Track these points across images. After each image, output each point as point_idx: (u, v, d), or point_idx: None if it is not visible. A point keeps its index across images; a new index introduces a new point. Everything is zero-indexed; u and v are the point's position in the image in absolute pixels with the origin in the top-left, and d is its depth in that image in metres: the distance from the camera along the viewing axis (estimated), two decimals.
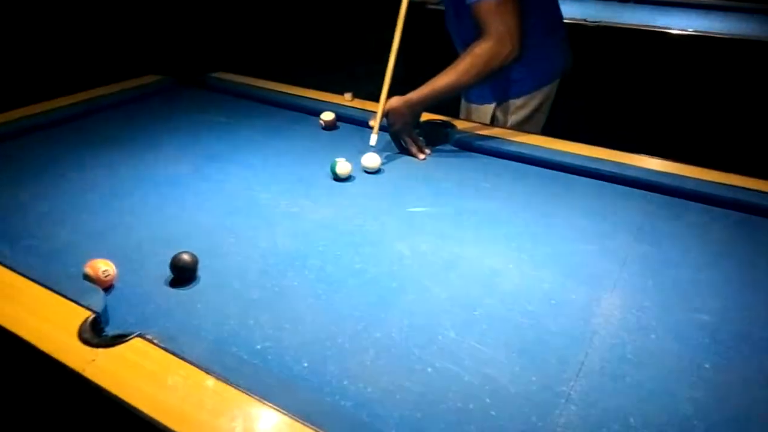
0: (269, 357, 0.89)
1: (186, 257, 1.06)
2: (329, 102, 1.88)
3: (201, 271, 1.09)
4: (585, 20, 2.96)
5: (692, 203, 1.37)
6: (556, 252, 1.18)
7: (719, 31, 2.90)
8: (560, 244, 1.21)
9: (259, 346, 0.91)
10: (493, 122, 1.85)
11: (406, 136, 1.60)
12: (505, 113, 1.85)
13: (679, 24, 3.00)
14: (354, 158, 1.48)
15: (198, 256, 1.07)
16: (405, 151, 1.61)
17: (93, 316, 0.90)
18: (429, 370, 0.88)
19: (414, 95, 1.58)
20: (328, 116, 1.74)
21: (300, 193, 1.39)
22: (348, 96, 1.90)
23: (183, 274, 1.06)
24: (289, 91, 1.98)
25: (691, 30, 2.87)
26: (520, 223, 1.28)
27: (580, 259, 1.16)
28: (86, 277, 1.01)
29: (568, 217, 1.30)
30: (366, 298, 1.03)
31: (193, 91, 2.06)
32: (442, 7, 3.22)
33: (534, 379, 0.86)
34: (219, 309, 0.99)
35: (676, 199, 1.38)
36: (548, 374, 0.87)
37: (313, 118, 1.79)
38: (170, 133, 1.71)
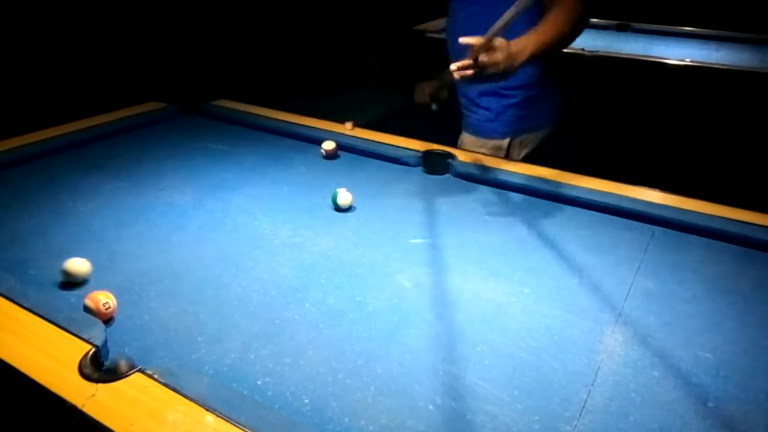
0: (270, 393, 0.88)
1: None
2: (329, 131, 1.89)
3: (201, 303, 1.08)
4: (583, 50, 3.01)
5: (693, 236, 1.37)
6: (558, 286, 1.18)
7: (715, 62, 2.94)
8: (562, 277, 1.21)
9: (259, 382, 0.90)
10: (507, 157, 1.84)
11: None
12: (518, 148, 1.86)
13: (676, 54, 3.04)
14: (355, 188, 1.49)
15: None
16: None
17: (93, 350, 0.89)
18: (430, 407, 0.87)
19: (513, 45, 1.43)
20: (329, 145, 1.75)
21: (301, 223, 1.39)
22: (348, 125, 1.91)
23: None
24: (289, 120, 2.00)
25: (688, 60, 2.91)
26: (521, 256, 1.28)
27: (583, 293, 1.16)
28: (86, 309, 1.00)
29: (570, 250, 1.30)
30: (367, 332, 1.02)
31: (194, 119, 2.08)
32: (441, 36, 3.29)
33: (536, 417, 0.86)
34: (219, 342, 0.99)
35: (677, 233, 1.38)
36: (551, 413, 0.86)
37: (314, 146, 1.80)
38: (172, 162, 1.72)
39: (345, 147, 1.80)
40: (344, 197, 1.43)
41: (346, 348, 0.99)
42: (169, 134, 1.94)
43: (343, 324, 1.04)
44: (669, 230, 1.39)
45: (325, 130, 1.90)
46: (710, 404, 0.89)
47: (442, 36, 3.35)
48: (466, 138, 1.94)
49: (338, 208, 1.44)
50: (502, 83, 1.74)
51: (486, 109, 1.86)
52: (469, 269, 1.23)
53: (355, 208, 1.46)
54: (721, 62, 2.92)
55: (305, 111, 2.09)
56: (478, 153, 1.77)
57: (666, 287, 1.18)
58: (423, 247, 1.31)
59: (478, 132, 1.90)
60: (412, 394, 0.89)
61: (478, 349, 0.99)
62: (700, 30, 3.67)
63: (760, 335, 1.05)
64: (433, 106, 2.08)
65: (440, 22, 3.50)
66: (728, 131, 3.03)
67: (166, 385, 0.84)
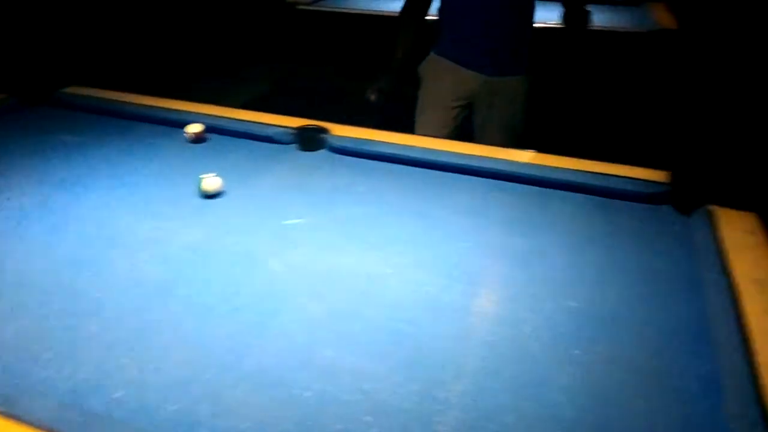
0: (131, 405, 0.81)
1: None
2: (196, 112, 1.78)
3: (50, 316, 0.98)
4: None
5: (558, 192, 1.42)
6: (434, 253, 1.18)
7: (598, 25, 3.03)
8: (438, 244, 1.21)
9: (117, 394, 0.83)
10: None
11: None
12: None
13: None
14: (224, 173, 1.41)
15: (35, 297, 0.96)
16: None
17: None
18: (307, 394, 0.84)
19: None
20: (195, 128, 1.64)
21: (165, 215, 1.30)
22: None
23: None
24: (152, 104, 1.85)
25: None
26: (397, 227, 1.27)
27: (458, 257, 1.17)
28: None
29: (444, 216, 1.31)
30: (238, 325, 0.97)
31: (41, 111, 1.88)
32: (312, 8, 3.21)
33: (415, 388, 0.85)
34: (71, 357, 0.90)
35: (544, 190, 1.43)
36: (428, 381, 0.86)
37: (180, 131, 1.69)
38: (17, 159, 1.54)
39: (214, 129, 1.70)
40: (210, 183, 1.35)
41: (215, 345, 0.93)
42: (11, 130, 1.73)
43: (212, 319, 0.98)
44: (538, 188, 1.44)
45: (191, 112, 1.78)
46: (576, 351, 0.93)
47: (315, 8, 3.29)
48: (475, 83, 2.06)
49: (206, 195, 1.36)
50: None
51: None
52: (345, 245, 1.20)
53: (224, 194, 1.38)
54: (602, 24, 3.02)
55: (174, 94, 1.95)
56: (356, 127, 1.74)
57: (534, 244, 1.22)
58: (298, 227, 1.27)
59: (493, 70, 2.05)
60: (287, 384, 0.86)
61: (355, 326, 0.97)
62: None
63: (621, 281, 1.11)
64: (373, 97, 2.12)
65: None
66: (609, 90, 3.17)
67: (3, 414, 0.74)
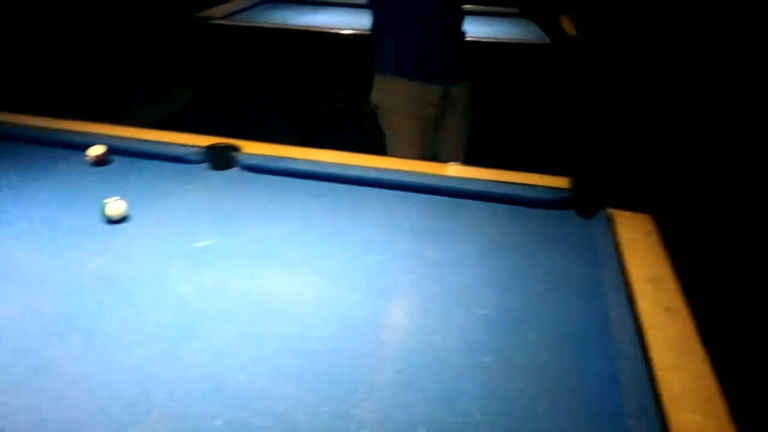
0: None
1: None
2: (100, 134, 1.70)
3: None
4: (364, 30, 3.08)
5: (469, 201, 1.46)
6: (347, 268, 1.19)
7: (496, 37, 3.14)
8: (350, 259, 1.22)
9: None
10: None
11: None
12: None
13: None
14: (131, 196, 1.35)
15: None
16: None
17: None
18: (217, 423, 0.82)
19: None
20: (97, 150, 1.57)
21: (65, 244, 1.23)
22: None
23: None
24: (50, 125, 1.76)
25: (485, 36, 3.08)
26: (310, 243, 1.27)
27: (370, 271, 1.18)
28: None
29: (357, 231, 1.32)
30: (145, 356, 0.93)
31: None
32: (226, 22, 3.15)
33: (327, 408, 0.85)
34: None
35: (455, 200, 1.47)
36: (341, 400, 0.86)
37: (81, 153, 1.61)
38: None
39: (118, 150, 1.63)
40: (114, 208, 1.30)
41: (120, 378, 0.89)
42: None
43: (117, 351, 0.94)
44: (449, 198, 1.47)
45: (93, 133, 1.70)
46: (486, 358, 0.96)
47: (228, 22, 3.24)
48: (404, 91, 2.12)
49: (110, 221, 1.30)
50: None
51: None
52: (258, 266, 1.18)
53: (130, 218, 1.33)
54: (508, 37, 3.14)
55: (78, 115, 1.86)
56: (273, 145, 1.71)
57: (446, 253, 1.25)
58: (209, 250, 1.23)
59: (434, 77, 2.13)
60: (196, 414, 0.83)
61: (267, 349, 0.96)
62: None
63: (528, 286, 1.15)
64: None
65: (224, 8, 3.36)
66: (515, 100, 3.29)
67: None
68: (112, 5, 4.37)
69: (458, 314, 1.06)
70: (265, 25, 3.22)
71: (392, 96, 2.16)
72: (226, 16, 3.24)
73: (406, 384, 0.89)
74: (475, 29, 3.33)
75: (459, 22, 2.17)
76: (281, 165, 1.57)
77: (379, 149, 2.15)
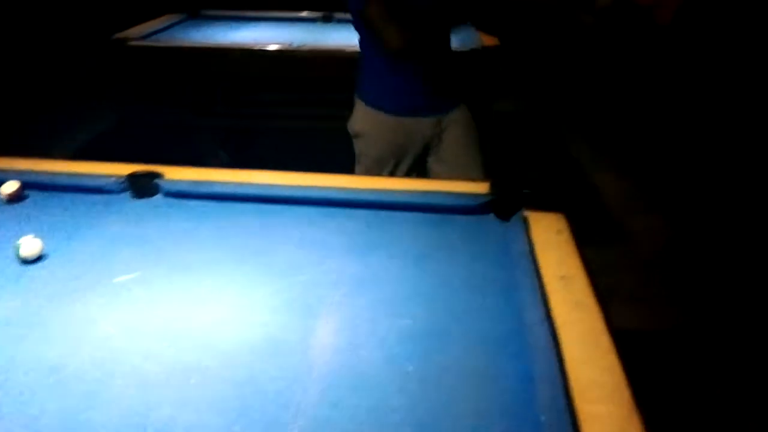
0: None
1: None
2: (13, 169, 1.63)
3: None
4: (290, 44, 3.09)
5: (395, 213, 1.50)
6: (272, 290, 1.19)
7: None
8: (276, 280, 1.23)
9: None
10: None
11: None
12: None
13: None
14: (47, 233, 1.31)
15: None
16: None
17: None
18: None
19: None
20: (10, 187, 1.52)
21: None
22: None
23: None
24: None
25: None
26: (236, 268, 1.27)
27: (296, 291, 1.19)
28: None
29: (283, 251, 1.33)
30: (64, 401, 0.91)
31: None
32: (146, 43, 3.08)
33: None
34: None
35: (381, 212, 1.50)
36: (268, 425, 0.87)
37: None
38: None
39: (34, 185, 1.58)
40: (29, 247, 1.26)
41: (40, 424, 0.87)
42: None
43: (34, 399, 0.91)
44: (375, 211, 1.50)
45: (5, 169, 1.63)
46: (410, 368, 0.99)
47: (147, 44, 3.17)
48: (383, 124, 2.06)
49: (25, 261, 1.26)
50: None
51: None
52: (182, 296, 1.17)
53: (46, 257, 1.29)
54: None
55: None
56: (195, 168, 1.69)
57: (372, 267, 1.27)
58: (131, 283, 1.22)
59: (414, 110, 2.09)
60: None
61: (193, 381, 0.95)
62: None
63: (451, 293, 1.19)
64: None
65: (143, 28, 3.29)
66: None
67: None
68: (21, 28, 4.19)
69: (384, 327, 1.08)
70: (187, 44, 3.18)
71: (371, 129, 2.09)
72: (145, 37, 3.17)
73: (334, 403, 0.91)
74: None
75: (449, 48, 2.12)
76: (205, 189, 1.56)
77: (311, 162, 2.15)
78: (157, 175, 1.60)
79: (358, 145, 2.15)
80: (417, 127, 2.07)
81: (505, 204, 1.46)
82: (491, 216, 1.47)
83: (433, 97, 2.07)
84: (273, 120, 3.27)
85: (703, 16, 4.96)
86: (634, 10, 5.29)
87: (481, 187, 1.55)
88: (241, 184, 1.57)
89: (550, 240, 1.29)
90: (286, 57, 3.06)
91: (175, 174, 1.62)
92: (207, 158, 2.92)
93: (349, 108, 2.18)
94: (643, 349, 1.97)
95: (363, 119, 2.11)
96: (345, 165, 2.14)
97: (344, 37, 3.37)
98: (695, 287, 2.63)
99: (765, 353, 2.29)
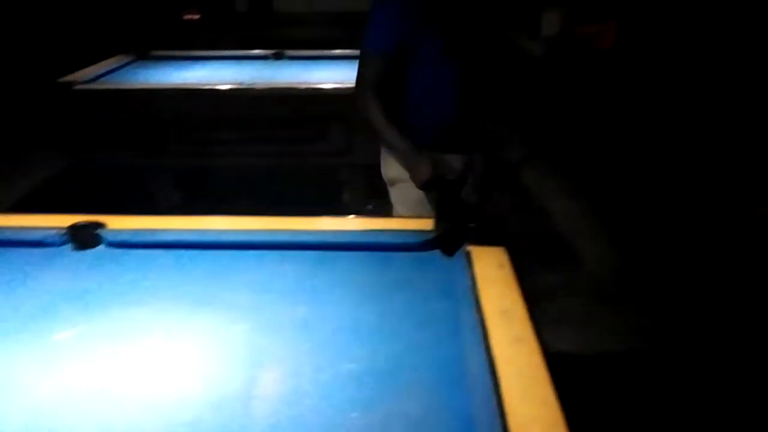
0: None
1: None
2: None
3: None
4: (241, 83, 3.11)
5: (342, 253, 1.51)
6: (217, 340, 1.18)
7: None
8: (221, 329, 1.22)
9: None
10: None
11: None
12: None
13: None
14: None
15: None
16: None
17: None
18: None
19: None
20: None
21: None
22: None
23: None
24: None
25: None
26: (180, 319, 1.26)
27: (241, 339, 1.18)
28: None
29: (228, 299, 1.32)
30: None
31: None
32: (92, 87, 3.05)
33: None
34: None
35: (328, 253, 1.51)
36: None
37: None
38: None
39: None
40: None
41: None
42: None
43: None
44: (322, 252, 1.51)
45: None
46: (354, 414, 0.99)
47: (94, 87, 3.14)
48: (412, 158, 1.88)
49: None
50: None
51: None
52: (123, 352, 1.15)
53: None
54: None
55: None
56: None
57: (317, 310, 1.28)
58: (70, 340, 1.19)
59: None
60: None
61: None
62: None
63: (396, 333, 1.20)
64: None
65: (89, 71, 3.26)
66: None
67: None
68: None
69: (328, 373, 1.08)
70: (135, 86, 3.17)
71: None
72: (92, 80, 3.14)
73: None
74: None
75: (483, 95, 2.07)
76: (149, 238, 1.54)
77: (265, 199, 2.14)
78: (100, 225, 1.58)
79: (395, 192, 2.01)
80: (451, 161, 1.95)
81: (450, 239, 1.48)
82: (437, 252, 1.49)
83: (464, 133, 2.03)
84: (227, 158, 3.26)
85: (641, 36, 5.21)
86: (577, 39, 5.51)
87: (425, 224, 1.58)
88: (186, 231, 1.56)
89: (492, 274, 1.32)
90: (238, 95, 3.08)
91: (118, 223, 1.60)
92: (160, 200, 2.88)
93: (306, 143, 2.18)
94: (589, 373, 2.02)
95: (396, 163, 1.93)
96: (300, 200, 2.15)
97: (295, 74, 3.42)
98: (643, 311, 2.70)
99: (711, 377, 2.35)
